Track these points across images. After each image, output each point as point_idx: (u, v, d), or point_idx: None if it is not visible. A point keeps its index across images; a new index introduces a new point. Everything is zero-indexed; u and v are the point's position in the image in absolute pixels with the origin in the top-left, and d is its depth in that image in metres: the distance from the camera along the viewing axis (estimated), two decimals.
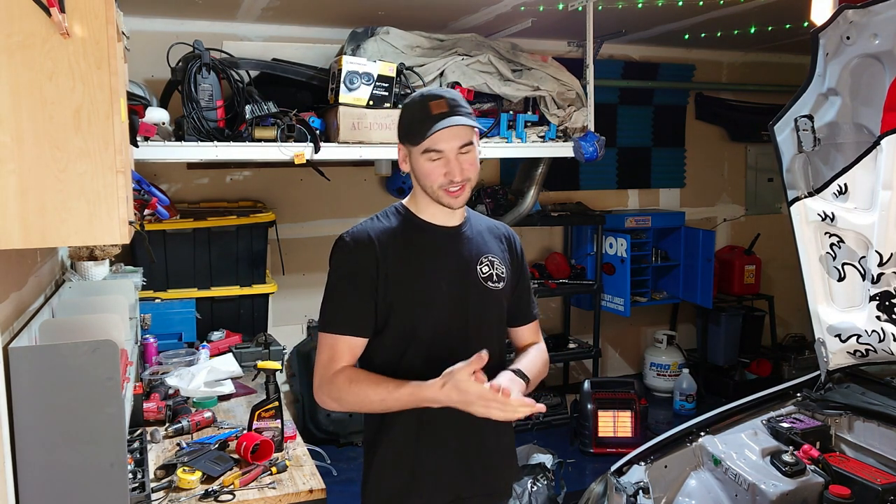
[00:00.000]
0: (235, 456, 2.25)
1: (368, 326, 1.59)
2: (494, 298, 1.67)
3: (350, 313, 1.58)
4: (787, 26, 4.37)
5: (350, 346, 1.58)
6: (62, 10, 1.23)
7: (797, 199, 2.32)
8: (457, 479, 1.64)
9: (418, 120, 1.56)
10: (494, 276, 1.67)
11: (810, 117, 2.21)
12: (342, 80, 3.25)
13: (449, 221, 1.66)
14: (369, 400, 1.52)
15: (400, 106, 3.29)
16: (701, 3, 3.71)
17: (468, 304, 1.63)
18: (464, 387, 1.43)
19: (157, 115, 2.91)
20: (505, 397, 1.43)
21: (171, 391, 2.78)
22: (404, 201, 1.70)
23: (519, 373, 1.59)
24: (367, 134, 3.32)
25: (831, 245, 2.29)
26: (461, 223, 1.69)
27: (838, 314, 2.34)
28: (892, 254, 2.09)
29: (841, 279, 2.30)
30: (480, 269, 1.66)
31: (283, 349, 3.69)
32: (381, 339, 1.61)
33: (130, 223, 1.39)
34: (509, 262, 1.73)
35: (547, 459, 3.33)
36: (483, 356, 1.43)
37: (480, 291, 1.64)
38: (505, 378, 1.54)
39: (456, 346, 1.58)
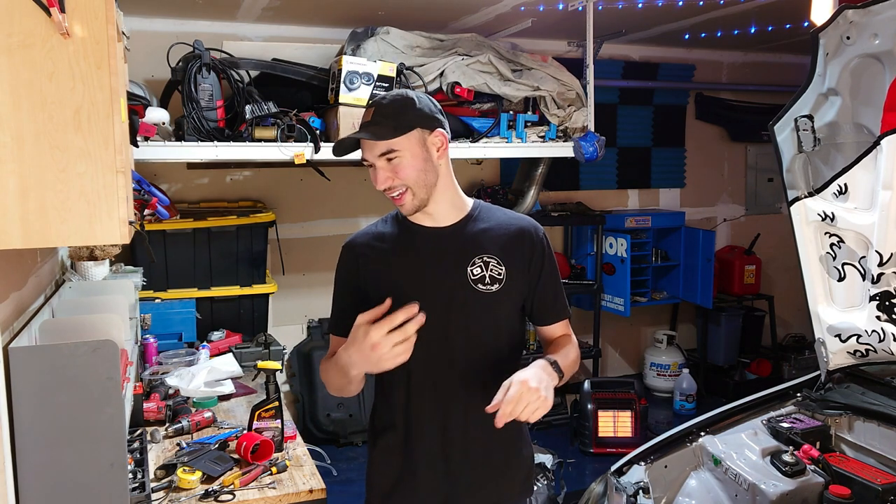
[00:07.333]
0: (235, 456, 2.25)
1: None
2: (486, 301, 1.58)
3: (339, 316, 1.67)
4: (788, 26, 4.37)
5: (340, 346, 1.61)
6: (62, 10, 1.23)
7: (797, 199, 2.32)
8: (441, 486, 1.63)
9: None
10: (487, 278, 1.59)
11: (810, 117, 2.21)
12: (342, 80, 3.25)
13: (440, 222, 1.62)
14: (330, 376, 1.58)
15: None
16: (701, 3, 3.71)
17: (452, 307, 1.57)
18: (353, 335, 1.37)
19: (157, 115, 2.91)
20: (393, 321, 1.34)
21: (171, 391, 2.78)
22: None
23: (553, 364, 1.49)
24: None
25: (831, 245, 2.29)
26: (457, 222, 1.62)
27: (838, 314, 2.34)
28: (892, 254, 2.09)
29: (841, 279, 2.30)
30: (471, 270, 1.58)
31: (283, 349, 3.69)
32: None
33: (130, 223, 1.39)
34: (522, 260, 1.63)
35: (547, 459, 3.33)
36: (411, 308, 1.36)
37: (468, 294, 1.57)
38: (530, 371, 1.43)
39: (439, 349, 1.57)
